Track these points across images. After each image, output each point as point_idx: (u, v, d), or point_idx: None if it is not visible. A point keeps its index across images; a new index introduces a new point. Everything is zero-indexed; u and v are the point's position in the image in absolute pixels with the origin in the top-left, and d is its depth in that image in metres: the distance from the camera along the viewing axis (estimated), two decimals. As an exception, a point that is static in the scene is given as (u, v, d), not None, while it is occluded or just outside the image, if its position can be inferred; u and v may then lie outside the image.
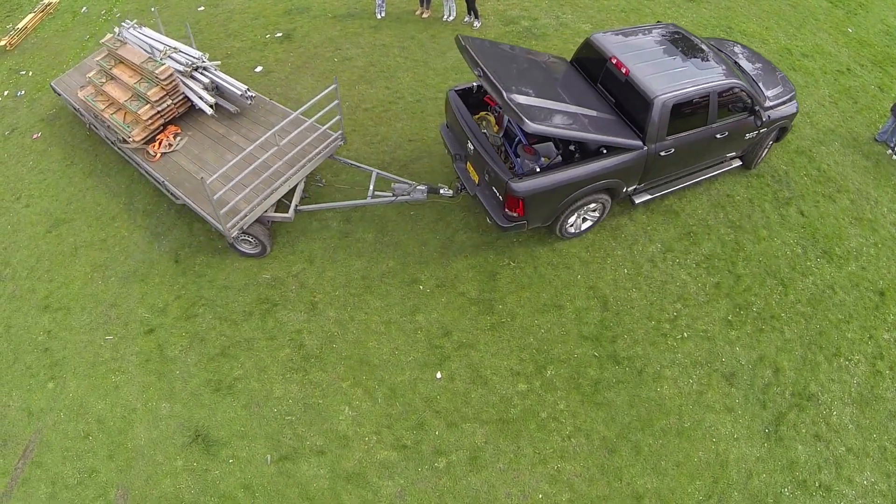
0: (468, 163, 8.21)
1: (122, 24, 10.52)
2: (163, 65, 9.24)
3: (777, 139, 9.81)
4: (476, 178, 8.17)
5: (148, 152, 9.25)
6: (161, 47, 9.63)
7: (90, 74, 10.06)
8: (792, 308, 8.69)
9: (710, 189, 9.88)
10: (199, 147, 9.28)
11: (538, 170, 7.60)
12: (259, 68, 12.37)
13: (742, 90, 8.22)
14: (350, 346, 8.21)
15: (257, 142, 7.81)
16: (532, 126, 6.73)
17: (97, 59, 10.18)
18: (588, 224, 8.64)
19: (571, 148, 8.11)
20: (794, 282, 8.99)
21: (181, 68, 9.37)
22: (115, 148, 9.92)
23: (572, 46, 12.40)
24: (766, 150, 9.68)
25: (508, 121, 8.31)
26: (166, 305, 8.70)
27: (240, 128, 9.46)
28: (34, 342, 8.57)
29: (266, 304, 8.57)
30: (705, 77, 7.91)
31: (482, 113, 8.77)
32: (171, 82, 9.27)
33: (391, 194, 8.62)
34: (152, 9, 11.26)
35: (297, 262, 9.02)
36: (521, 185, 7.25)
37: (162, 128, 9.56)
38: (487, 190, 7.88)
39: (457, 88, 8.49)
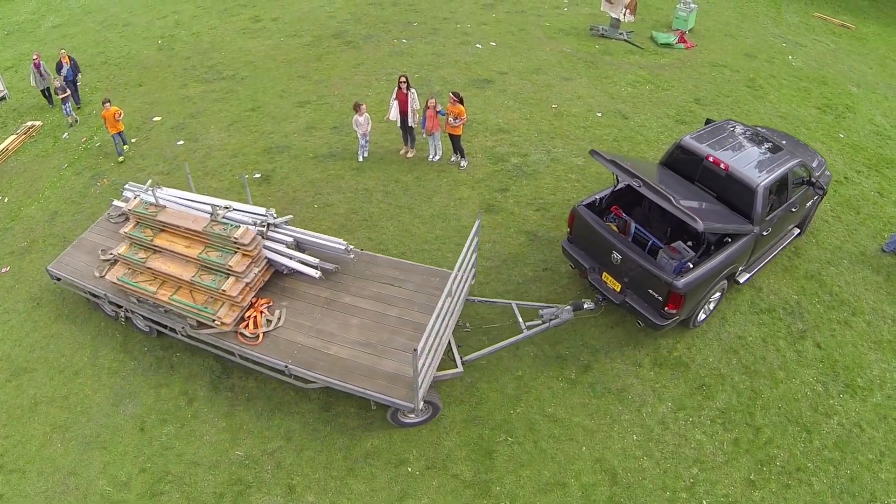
0: (604, 273, 9.85)
1: (129, 186, 10.89)
2: (236, 227, 8.95)
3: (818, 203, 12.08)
4: (617, 287, 9.71)
5: (244, 335, 8.93)
6: (211, 206, 9.43)
7: (121, 251, 9.56)
8: (818, 455, 9.38)
9: (721, 333, 10.89)
10: (305, 317, 9.14)
11: (691, 266, 9.31)
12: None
13: (803, 166, 10.70)
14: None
15: (442, 302, 7.82)
16: (703, 225, 8.37)
17: (125, 230, 9.71)
18: (703, 316, 10.45)
19: (690, 243, 10.14)
20: (818, 425, 9.75)
21: (255, 229, 9.14)
22: (179, 336, 9.58)
23: (566, 184, 13.88)
24: (813, 214, 12.18)
25: (636, 227, 10.18)
26: (129, 479, 8.92)
27: (346, 287, 9.51)
28: (-18, 506, 8.55)
29: (239, 486, 8.76)
30: (779, 160, 10.28)
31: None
32: (255, 247, 8.99)
33: (541, 322, 9.52)
34: (185, 165, 11.59)
35: (274, 439, 9.28)
36: (683, 282, 8.93)
37: (250, 303, 9.20)
38: (634, 297, 9.52)
39: (584, 203, 10.16)
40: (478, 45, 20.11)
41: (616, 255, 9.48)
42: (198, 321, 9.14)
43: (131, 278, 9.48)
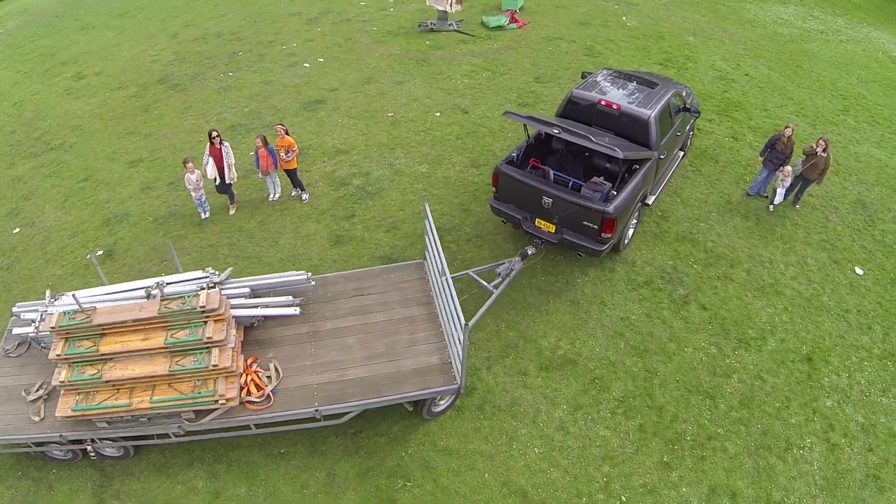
0: (536, 220, 11.11)
1: (19, 307, 9.86)
2: (195, 295, 8.78)
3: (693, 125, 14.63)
4: (552, 229, 11.01)
5: (253, 402, 8.74)
6: (144, 290, 9.12)
7: (62, 378, 8.64)
8: (727, 418, 9.78)
9: (603, 318, 11.12)
10: (301, 358, 9.30)
11: (615, 193, 10.81)
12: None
13: (678, 95, 12.99)
14: None
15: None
16: (622, 154, 10.21)
17: (56, 353, 8.79)
18: (631, 232, 12.19)
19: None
20: (719, 389, 10.16)
21: (214, 291, 9.04)
22: (174, 440, 9.09)
23: (413, 196, 13.91)
24: (692, 136, 14.83)
25: (554, 173, 11.59)
26: None
27: (319, 314, 9.81)
28: None
29: None
30: (658, 94, 12.41)
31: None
32: (224, 308, 8.82)
33: (501, 278, 10.69)
34: (168, 244, 10.82)
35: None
36: (613, 207, 10.40)
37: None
38: (570, 233, 10.87)
39: (505, 161, 11.53)
40: (306, 65, 19.94)
41: (546, 200, 10.78)
42: (194, 412, 8.67)
43: (89, 402, 8.56)
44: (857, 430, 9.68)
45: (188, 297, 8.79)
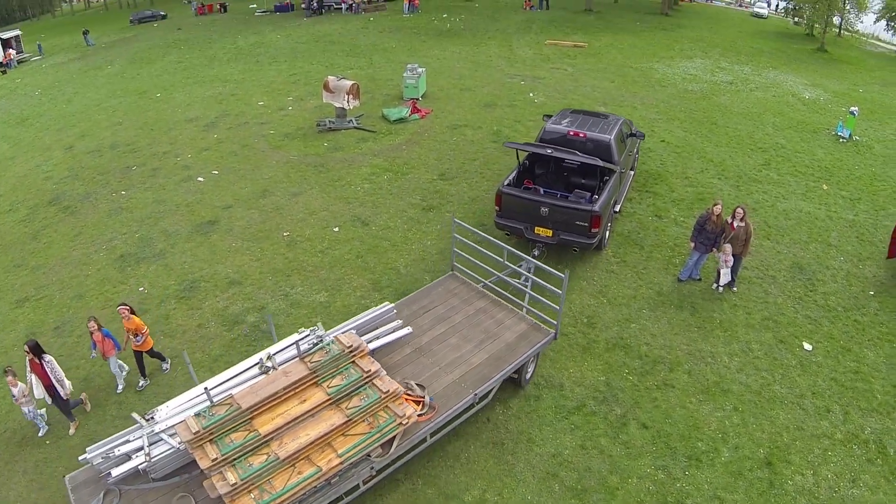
0: (536, 228, 13.51)
1: (92, 451, 8.22)
2: (332, 343, 9.12)
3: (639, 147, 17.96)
4: (549, 233, 13.40)
5: (422, 414, 9.10)
6: (257, 363, 9.21)
7: (231, 481, 7.66)
8: (687, 558, 8.60)
9: (531, 459, 9.83)
10: (424, 370, 9.98)
11: (596, 197, 13.46)
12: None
13: (626, 124, 16.25)
14: None
15: None
16: (602, 164, 13.40)
17: (212, 460, 7.81)
18: (607, 234, 14.49)
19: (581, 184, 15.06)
20: (639, 521, 9.01)
21: (344, 331, 9.74)
22: (362, 488, 8.99)
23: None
24: (637, 157, 17.81)
25: (544, 189, 14.46)
26: None
27: (412, 334, 10.63)
28: None
29: None
30: (612, 123, 15.53)
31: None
32: (361, 344, 9.26)
33: (524, 279, 11.85)
34: (184, 353, 10.20)
35: None
36: (597, 206, 13.01)
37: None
38: (566, 233, 13.25)
39: (505, 184, 14.07)
40: (199, 179, 18.94)
41: (544, 210, 13.25)
42: (380, 447, 8.52)
43: (272, 492, 7.69)
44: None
45: (328, 345, 9.02)
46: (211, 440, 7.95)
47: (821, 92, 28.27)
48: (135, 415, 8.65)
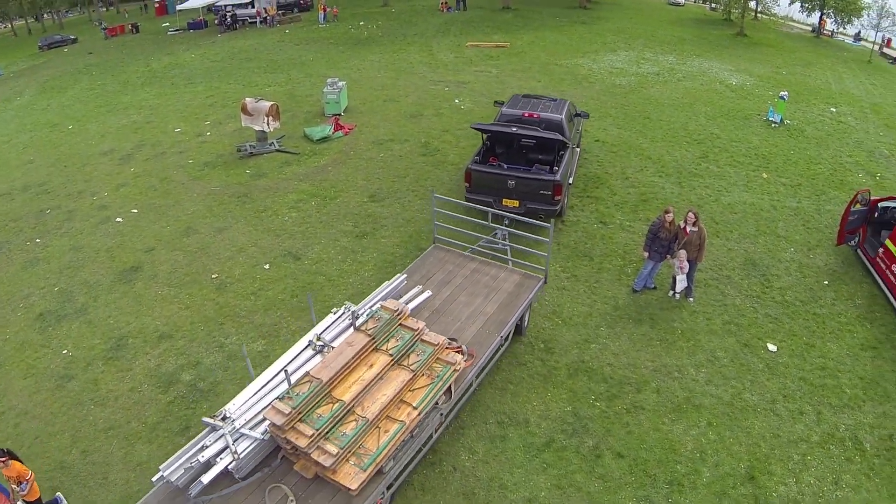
0: (504, 199, 14.80)
1: (167, 467, 8.01)
2: (378, 311, 9.78)
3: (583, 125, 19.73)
4: (516, 203, 14.73)
5: (471, 356, 10.07)
6: (309, 342, 9.77)
7: (331, 457, 7.90)
8: None
9: None
10: (450, 325, 10.84)
11: (556, 169, 14.82)
12: None
13: (572, 105, 17.90)
14: None
15: None
16: (561, 137, 15.22)
17: (308, 436, 8.00)
18: (566, 201, 15.75)
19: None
20: (659, 558, 8.51)
21: (374, 308, 10.14)
22: (434, 433, 9.63)
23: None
24: (581, 136, 19.07)
25: (507, 166, 15.72)
26: None
27: (450, 279, 12.05)
28: None
29: None
30: (560, 104, 17.16)
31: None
32: (404, 307, 9.96)
33: (501, 240, 12.64)
34: (308, 296, 11.26)
35: None
36: (558, 175, 14.43)
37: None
38: (531, 202, 14.61)
39: (473, 161, 15.46)
40: (118, 220, 17.60)
41: (511, 182, 14.63)
42: (446, 389, 9.30)
43: (370, 452, 8.14)
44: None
45: (377, 313, 9.66)
46: (300, 419, 8.21)
47: (746, 77, 28.60)
48: (206, 419, 8.64)
